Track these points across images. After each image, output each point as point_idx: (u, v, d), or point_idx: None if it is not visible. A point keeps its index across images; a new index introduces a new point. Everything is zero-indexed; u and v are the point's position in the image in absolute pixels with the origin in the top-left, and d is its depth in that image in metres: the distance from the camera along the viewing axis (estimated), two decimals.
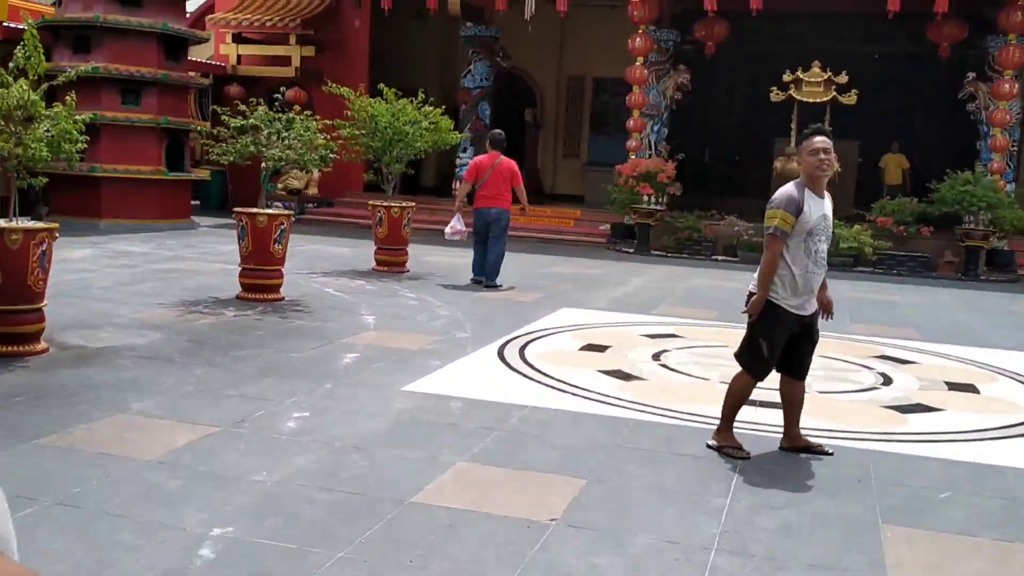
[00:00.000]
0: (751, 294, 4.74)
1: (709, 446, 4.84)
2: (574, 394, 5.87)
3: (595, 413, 5.47)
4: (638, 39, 16.87)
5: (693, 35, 18.82)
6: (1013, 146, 16.27)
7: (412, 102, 11.41)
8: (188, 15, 19.86)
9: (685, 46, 18.81)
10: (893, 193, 17.08)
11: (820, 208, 4.62)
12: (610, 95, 23.79)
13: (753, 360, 4.76)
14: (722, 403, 4.88)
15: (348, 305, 8.87)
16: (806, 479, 4.54)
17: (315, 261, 12.16)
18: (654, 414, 5.51)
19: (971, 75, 16.58)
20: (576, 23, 22.88)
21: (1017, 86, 15.09)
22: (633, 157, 17.53)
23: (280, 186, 18.76)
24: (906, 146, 18.16)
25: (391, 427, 4.99)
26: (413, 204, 11.68)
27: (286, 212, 9.26)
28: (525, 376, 6.32)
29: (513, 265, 12.54)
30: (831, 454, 4.85)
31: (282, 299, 8.83)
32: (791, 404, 4.90)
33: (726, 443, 4.80)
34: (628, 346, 7.54)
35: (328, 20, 19.85)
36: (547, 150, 24.33)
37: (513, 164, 10.68)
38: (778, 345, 4.69)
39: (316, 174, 18.66)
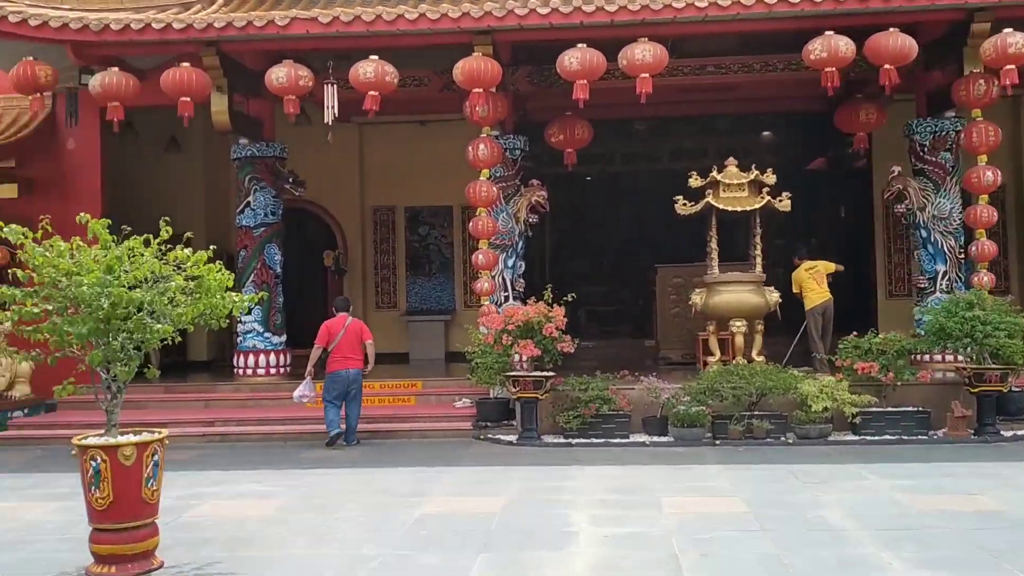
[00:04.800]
0: None
1: None
2: None
3: None
4: (482, 146, 12.29)
5: (547, 141, 14.58)
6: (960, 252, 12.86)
7: (152, 243, 6.07)
8: None
9: (525, 163, 14.37)
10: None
11: None
12: (429, 228, 19.19)
13: None
14: None
15: None
16: None
17: None
18: None
19: (895, 169, 13.16)
20: (378, 141, 18.31)
21: (1000, 174, 11.63)
22: (486, 303, 12.72)
23: None
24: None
25: None
26: (162, 434, 6.09)
27: None
28: None
29: (350, 502, 7.13)
30: None
31: None
32: None
33: None
34: None
35: (34, 147, 14.06)
36: (355, 301, 19.11)
37: (362, 324, 11.29)
38: None
39: (25, 365, 12.52)
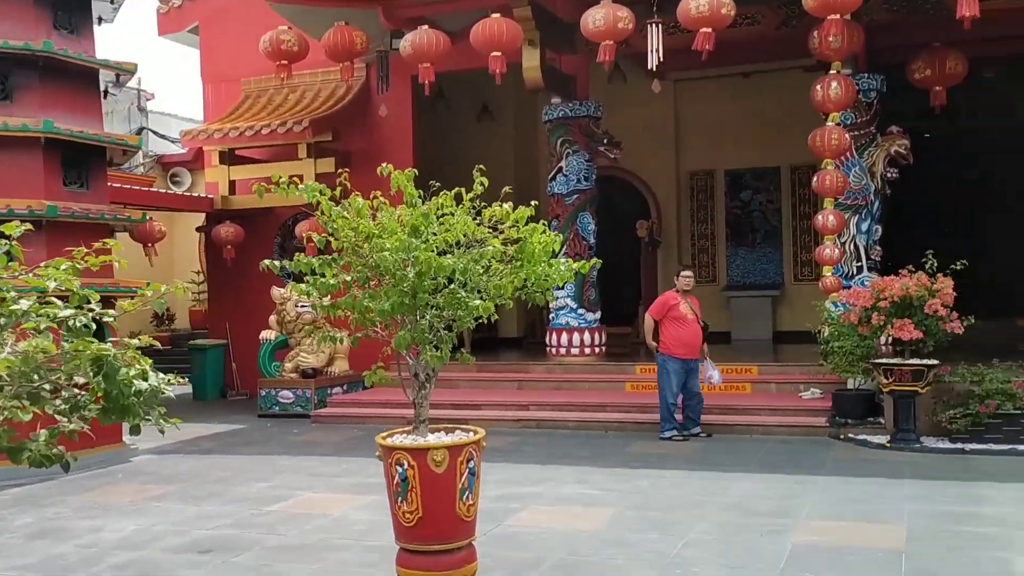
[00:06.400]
0: None
1: None
2: None
3: None
4: (833, 83, 10.24)
5: (909, 78, 12.16)
6: None
7: (464, 200, 4.90)
8: (186, 135, 14.10)
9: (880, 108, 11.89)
10: None
11: None
12: (753, 192, 17.21)
13: None
14: None
15: None
16: None
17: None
18: None
19: None
20: (694, 99, 16.61)
21: None
22: (830, 275, 10.74)
23: (288, 365, 12.38)
24: None
25: None
26: (478, 435, 4.92)
27: None
28: None
29: (698, 520, 5.51)
30: None
31: None
32: None
33: None
34: None
35: (349, 119, 13.86)
36: (670, 275, 17.53)
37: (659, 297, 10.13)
38: None
39: (345, 343, 12.22)
